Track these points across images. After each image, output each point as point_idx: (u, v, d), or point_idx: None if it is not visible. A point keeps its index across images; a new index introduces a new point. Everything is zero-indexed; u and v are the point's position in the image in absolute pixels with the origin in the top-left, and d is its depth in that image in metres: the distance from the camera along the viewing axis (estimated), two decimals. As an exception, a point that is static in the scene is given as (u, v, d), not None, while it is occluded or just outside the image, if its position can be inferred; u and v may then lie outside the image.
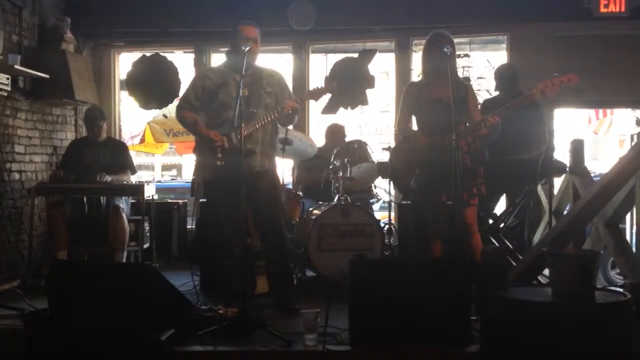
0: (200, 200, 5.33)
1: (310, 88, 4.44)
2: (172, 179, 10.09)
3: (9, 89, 5.52)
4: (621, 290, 3.49)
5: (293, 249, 4.63)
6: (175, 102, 7.00)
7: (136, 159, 7.78)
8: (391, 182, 5.56)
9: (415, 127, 4.37)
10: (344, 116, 7.06)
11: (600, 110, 11.24)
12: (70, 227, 5.43)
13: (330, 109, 6.79)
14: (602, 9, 6.40)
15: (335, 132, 6.31)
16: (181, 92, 6.76)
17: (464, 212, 4.07)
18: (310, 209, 5.57)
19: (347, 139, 6.08)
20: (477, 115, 4.17)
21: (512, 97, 4.63)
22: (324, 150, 5.93)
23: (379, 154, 5.81)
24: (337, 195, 5.37)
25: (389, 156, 4.82)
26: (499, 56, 7.21)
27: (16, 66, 5.41)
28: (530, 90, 3.97)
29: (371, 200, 5.93)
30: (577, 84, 3.84)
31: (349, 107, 6.81)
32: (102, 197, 5.57)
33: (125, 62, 7.40)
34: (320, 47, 7.43)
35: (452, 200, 3.89)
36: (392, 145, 6.02)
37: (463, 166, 3.94)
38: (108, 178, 5.37)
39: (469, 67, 6.84)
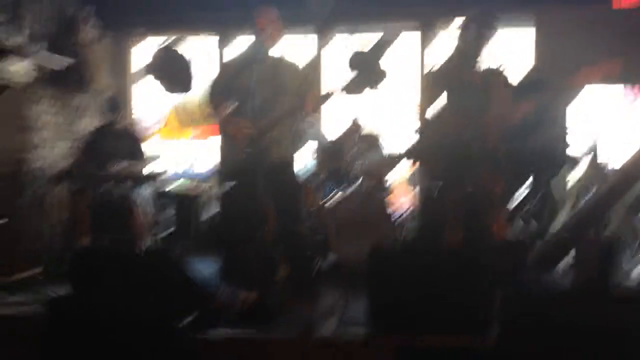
0: (222, 187, 5.34)
1: (333, 85, 4.38)
2: (193, 165, 10.12)
3: (30, 77, 5.56)
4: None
5: (312, 236, 4.63)
6: (196, 88, 7.04)
7: (157, 145, 7.82)
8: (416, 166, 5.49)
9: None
10: (369, 100, 7.00)
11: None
12: (91, 214, 5.48)
13: (354, 89, 6.74)
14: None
15: (356, 125, 6.29)
16: (198, 80, 6.90)
17: (489, 200, 4.02)
18: (330, 196, 5.57)
19: (370, 125, 6.05)
20: (504, 102, 4.06)
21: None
22: (344, 139, 5.91)
23: (400, 140, 5.78)
24: (356, 182, 5.35)
25: (417, 138, 4.76)
26: (525, 35, 7.07)
27: (37, 55, 5.45)
28: (573, 76, 3.85)
29: (388, 188, 5.91)
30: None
31: (373, 87, 6.75)
32: (122, 185, 5.61)
33: (143, 50, 7.41)
34: (342, 29, 7.35)
35: (479, 188, 3.85)
36: (414, 128, 6.00)
37: (491, 152, 3.90)
38: (122, 165, 5.41)
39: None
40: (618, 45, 5.95)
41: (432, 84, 4.21)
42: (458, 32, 4.15)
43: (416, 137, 4.76)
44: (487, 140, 3.94)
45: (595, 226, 4.09)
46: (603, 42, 6.05)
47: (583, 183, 5.26)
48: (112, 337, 3.35)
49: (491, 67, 4.09)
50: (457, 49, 4.13)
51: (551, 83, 4.22)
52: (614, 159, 5.42)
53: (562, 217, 5.31)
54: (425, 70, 6.82)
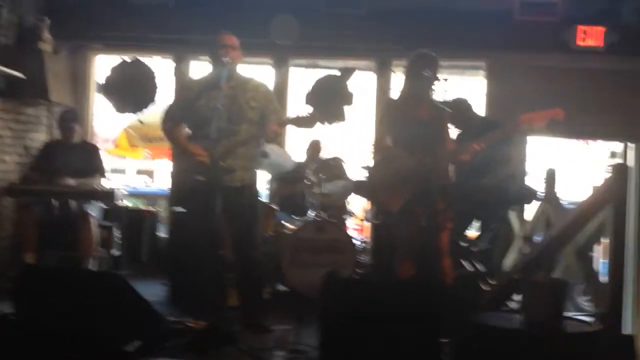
0: (175, 208, 5.28)
1: (294, 114, 4.39)
2: (145, 185, 9.98)
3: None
4: (590, 319, 3.53)
5: (265, 262, 4.59)
6: (152, 107, 6.98)
7: (109, 162, 7.69)
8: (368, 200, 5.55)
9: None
10: (327, 131, 7.07)
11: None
12: (39, 230, 5.34)
13: (307, 124, 6.80)
14: (580, 42, 6.53)
15: (314, 148, 6.34)
16: (157, 98, 6.85)
17: (438, 235, 4.07)
18: (284, 222, 5.56)
19: (329, 155, 6.09)
20: (450, 141, 4.18)
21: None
22: (303, 165, 5.94)
23: (357, 172, 5.83)
24: (313, 211, 5.36)
25: (368, 174, 4.81)
26: (477, 82, 7.31)
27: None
28: (516, 119, 3.96)
29: (345, 217, 5.94)
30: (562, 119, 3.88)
31: (326, 123, 6.81)
32: (72, 201, 5.48)
33: (102, 65, 7.32)
34: (301, 62, 7.44)
35: (428, 222, 3.89)
36: (370, 163, 6.07)
37: (443, 189, 3.95)
38: (70, 182, 5.30)
39: (445, 90, 6.91)
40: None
41: (383, 120, 4.27)
42: (404, 72, 4.25)
43: (367, 173, 4.85)
44: (435, 176, 4.00)
45: (544, 268, 4.18)
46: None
47: (535, 224, 5.40)
48: (56, 359, 3.25)
49: (439, 105, 4.18)
50: (404, 88, 4.23)
51: (499, 125, 4.34)
52: (567, 201, 5.59)
53: (512, 257, 5.44)
54: (378, 107, 6.95)
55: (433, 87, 4.09)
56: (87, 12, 6.78)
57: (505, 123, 4.31)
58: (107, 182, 5.78)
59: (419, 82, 4.08)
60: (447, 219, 4.12)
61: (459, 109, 5.22)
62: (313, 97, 6.61)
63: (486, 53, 6.84)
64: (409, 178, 3.99)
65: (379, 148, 4.26)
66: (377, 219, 5.59)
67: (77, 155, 5.59)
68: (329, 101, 6.66)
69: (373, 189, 4.37)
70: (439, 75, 4.10)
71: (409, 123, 4.10)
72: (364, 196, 5.69)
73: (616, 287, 3.84)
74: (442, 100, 4.30)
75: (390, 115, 4.22)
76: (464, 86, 7.43)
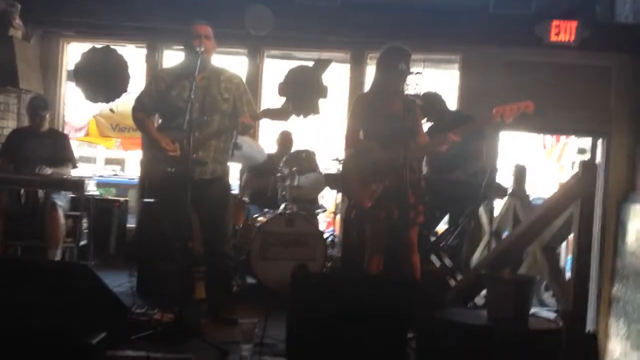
0: (144, 199, 5.23)
1: (266, 106, 4.36)
2: (115, 174, 9.90)
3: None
4: (554, 316, 3.56)
5: (234, 255, 4.56)
6: (124, 96, 6.90)
7: (78, 150, 7.61)
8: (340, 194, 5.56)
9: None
10: (299, 123, 7.04)
11: (554, 137, 11.38)
12: (5, 219, 5.26)
13: (280, 116, 6.77)
14: (553, 37, 6.56)
15: (285, 139, 6.31)
16: (130, 87, 6.76)
17: (408, 230, 4.07)
18: (255, 215, 5.53)
19: (302, 147, 6.06)
20: (423, 135, 4.19)
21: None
22: (275, 157, 5.90)
23: (329, 165, 5.82)
24: (283, 204, 5.34)
25: (340, 168, 4.78)
26: (451, 75, 7.32)
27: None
28: (489, 113, 3.98)
29: (317, 211, 5.92)
30: (532, 111, 3.90)
31: (301, 115, 6.79)
32: (40, 190, 5.40)
33: (74, 52, 7.22)
34: (276, 53, 7.41)
35: (399, 217, 3.89)
36: (342, 157, 6.05)
37: (415, 183, 3.95)
38: (48, 170, 5.23)
39: (417, 84, 6.93)
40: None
41: (355, 113, 4.26)
42: (375, 65, 4.24)
43: (339, 166, 4.83)
44: (408, 170, 4.00)
45: (510, 264, 4.21)
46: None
47: (502, 220, 5.44)
48: (18, 351, 3.21)
49: (411, 98, 4.17)
50: (375, 81, 4.22)
51: (472, 119, 4.34)
52: (534, 197, 5.64)
53: (480, 253, 5.47)
54: (351, 100, 6.95)
55: (406, 80, 4.08)
56: (59, -2, 6.68)
57: (478, 117, 4.33)
58: (76, 171, 5.71)
59: (391, 75, 4.06)
60: (419, 213, 4.12)
61: (432, 103, 5.23)
62: (286, 89, 6.57)
63: (461, 46, 6.84)
64: (381, 172, 3.98)
65: (351, 141, 4.23)
66: (348, 212, 5.58)
67: (46, 144, 5.51)
68: (302, 93, 6.63)
69: (345, 183, 4.36)
70: (411, 69, 4.09)
71: (382, 116, 4.09)
72: (336, 189, 5.69)
73: (581, 284, 3.90)
74: (414, 93, 4.29)
75: (363, 108, 4.20)
76: (438, 79, 7.45)
